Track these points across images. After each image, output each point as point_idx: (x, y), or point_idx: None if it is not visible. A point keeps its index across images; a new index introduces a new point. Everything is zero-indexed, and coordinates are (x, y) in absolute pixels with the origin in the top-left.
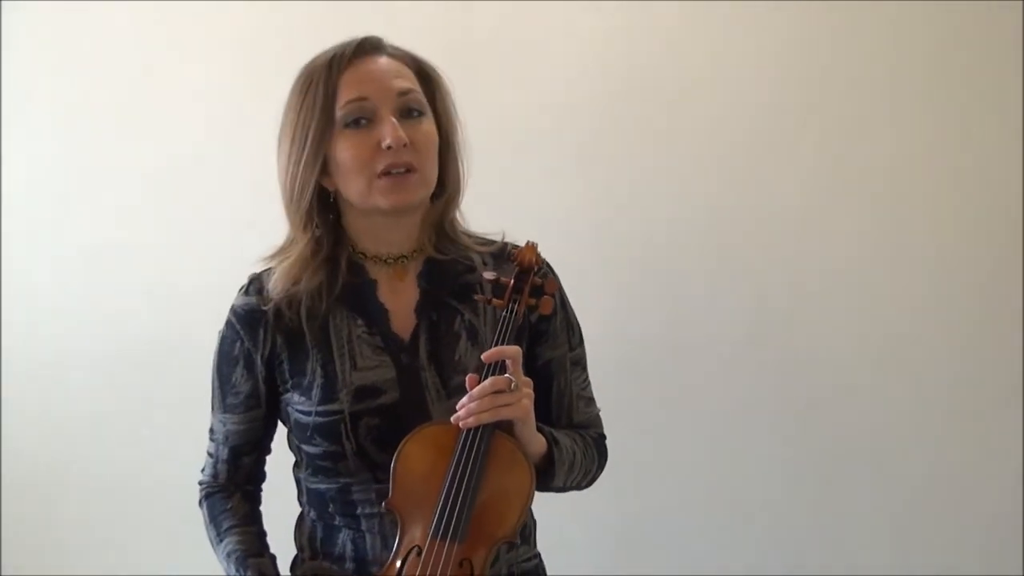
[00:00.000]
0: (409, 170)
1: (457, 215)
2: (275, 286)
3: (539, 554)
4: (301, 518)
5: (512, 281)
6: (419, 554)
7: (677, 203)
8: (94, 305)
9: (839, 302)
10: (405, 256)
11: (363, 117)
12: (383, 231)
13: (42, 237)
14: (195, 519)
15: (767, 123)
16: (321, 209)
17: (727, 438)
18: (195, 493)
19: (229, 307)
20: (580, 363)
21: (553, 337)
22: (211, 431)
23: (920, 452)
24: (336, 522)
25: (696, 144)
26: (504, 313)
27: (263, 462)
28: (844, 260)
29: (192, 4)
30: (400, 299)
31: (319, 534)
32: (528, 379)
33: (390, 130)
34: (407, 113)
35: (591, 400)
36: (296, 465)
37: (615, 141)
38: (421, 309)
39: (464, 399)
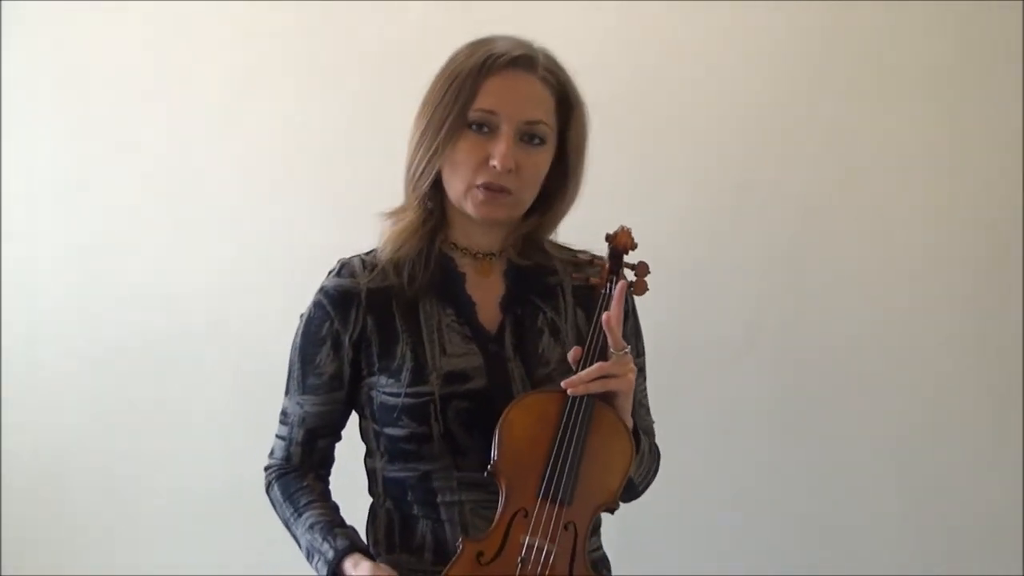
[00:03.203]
0: (503, 190)
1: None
2: (383, 248)
3: (602, 546)
4: (374, 512)
5: (608, 262)
6: (526, 516)
7: (677, 203)
8: (94, 305)
9: (839, 302)
10: (493, 254)
11: (487, 126)
12: (473, 228)
13: (42, 237)
14: (195, 519)
15: (767, 123)
16: (433, 188)
17: (727, 438)
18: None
19: (318, 289)
20: (643, 371)
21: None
22: (283, 414)
23: (920, 452)
24: (415, 512)
25: (696, 144)
26: (604, 291)
27: (334, 448)
28: (844, 260)
29: (192, 4)
30: (486, 293)
31: (396, 526)
32: (630, 355)
33: (501, 152)
34: (527, 139)
35: (648, 410)
36: (369, 455)
37: (615, 141)
38: (506, 304)
39: (572, 380)
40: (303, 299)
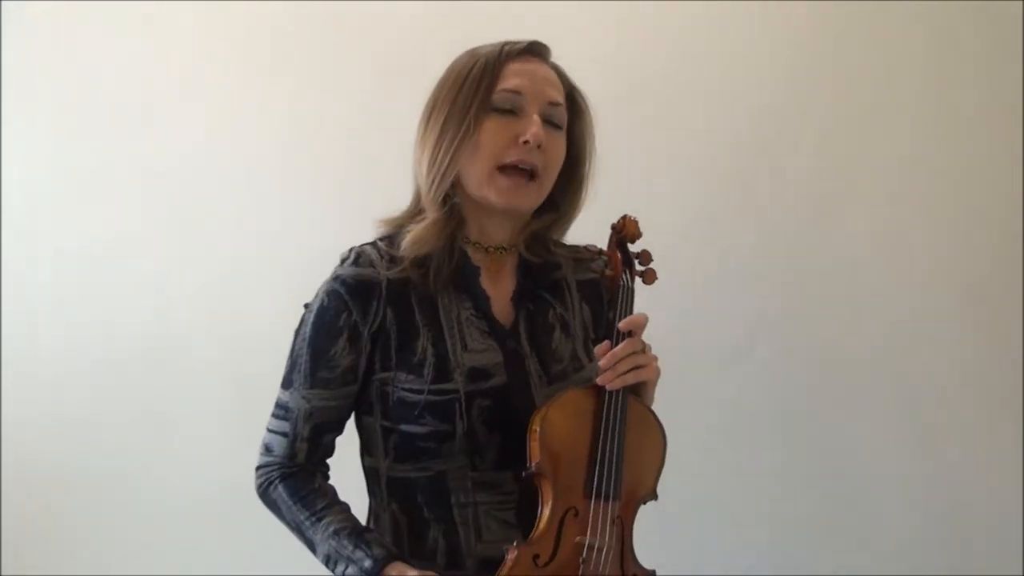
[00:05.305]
0: (533, 176)
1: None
2: (407, 247)
3: None
4: (376, 514)
5: (619, 253)
6: (576, 515)
7: (677, 203)
8: (94, 305)
9: (839, 302)
10: (504, 248)
11: (512, 107)
12: (487, 221)
13: (42, 237)
14: (195, 519)
15: (768, 123)
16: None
17: (727, 438)
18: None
19: (331, 278)
20: None
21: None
22: (284, 408)
23: (920, 452)
24: (425, 515)
25: (696, 144)
26: (621, 283)
27: (335, 441)
28: (844, 260)
29: (192, 4)
30: (498, 288)
31: (404, 530)
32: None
33: (534, 127)
34: (549, 122)
35: None
36: (369, 454)
37: (615, 140)
38: (519, 299)
39: (604, 362)
40: (304, 299)
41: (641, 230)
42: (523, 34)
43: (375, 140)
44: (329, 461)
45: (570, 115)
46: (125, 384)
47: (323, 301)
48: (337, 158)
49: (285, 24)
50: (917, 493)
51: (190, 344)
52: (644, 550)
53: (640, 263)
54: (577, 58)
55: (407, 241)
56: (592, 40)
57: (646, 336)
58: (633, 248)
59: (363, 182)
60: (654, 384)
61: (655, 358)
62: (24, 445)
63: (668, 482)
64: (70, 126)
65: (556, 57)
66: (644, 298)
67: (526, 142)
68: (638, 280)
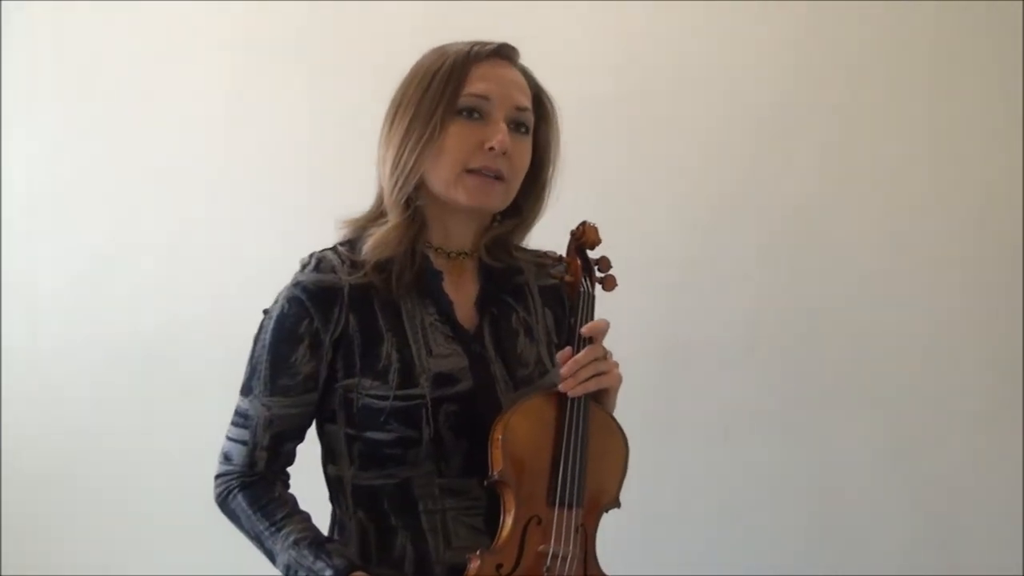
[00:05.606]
0: (498, 178)
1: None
2: (368, 252)
3: None
4: (341, 523)
5: (579, 260)
6: (540, 523)
7: (677, 203)
8: (94, 305)
9: (839, 302)
10: (465, 252)
11: (478, 112)
12: (452, 224)
13: (42, 237)
14: (196, 519)
15: (767, 122)
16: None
17: (726, 438)
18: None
19: (291, 284)
20: None
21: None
22: (243, 416)
23: (920, 452)
24: (392, 522)
25: (696, 144)
26: (582, 289)
27: (296, 450)
28: (845, 260)
29: (192, 4)
30: (461, 293)
31: (371, 538)
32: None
33: (500, 134)
34: (516, 127)
35: None
36: (333, 462)
37: (615, 140)
38: (482, 304)
39: (565, 369)
40: None
41: (601, 236)
42: (523, 35)
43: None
44: (290, 470)
45: (536, 118)
46: (125, 385)
47: (284, 308)
48: (340, 160)
49: (288, 24)
50: (917, 493)
51: (190, 344)
52: (643, 549)
53: (599, 269)
54: (577, 58)
55: (368, 245)
56: (592, 40)
57: (646, 335)
58: (592, 254)
59: (366, 183)
60: (615, 391)
61: (616, 364)
62: (24, 445)
63: (668, 482)
64: (70, 126)
65: (556, 57)
66: (644, 298)
67: (491, 148)
68: (599, 287)
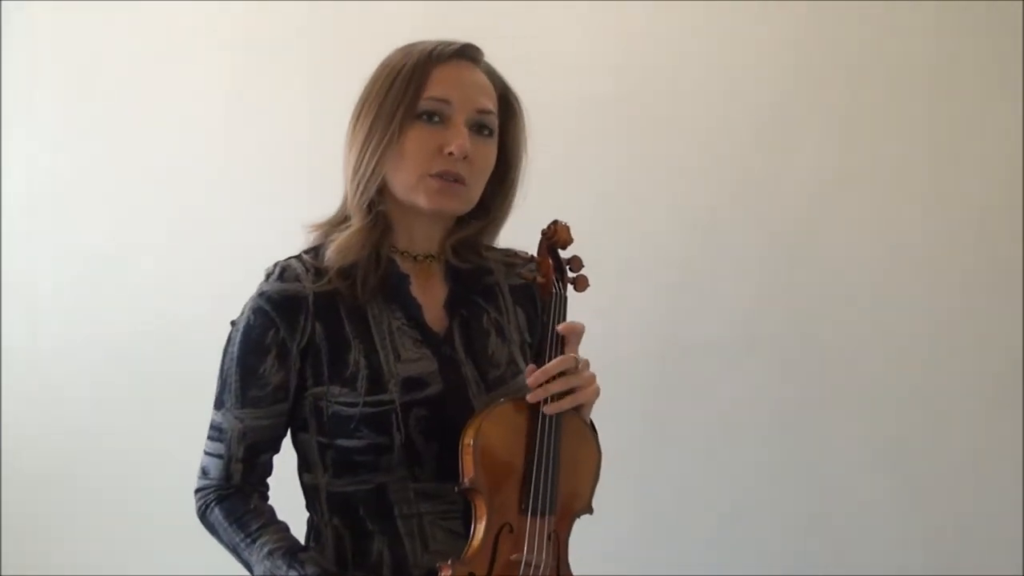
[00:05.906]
0: (457, 181)
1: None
2: (332, 256)
3: None
4: (317, 530)
5: (551, 259)
6: (512, 531)
7: (677, 203)
8: (94, 305)
9: (839, 302)
10: (432, 255)
11: (438, 116)
12: (416, 227)
13: (42, 237)
14: (195, 518)
15: (766, 121)
16: (376, 192)
17: (726, 438)
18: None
19: (256, 294)
20: None
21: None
22: (217, 430)
23: (919, 452)
24: (368, 528)
25: (696, 144)
26: (554, 289)
27: (272, 460)
28: (845, 260)
29: (192, 5)
30: (430, 296)
31: (348, 544)
32: (587, 361)
33: (458, 139)
34: (478, 130)
35: None
36: (308, 471)
37: (614, 139)
38: (451, 306)
39: (532, 379)
40: None
41: (572, 236)
42: (523, 35)
43: None
44: (270, 480)
45: (503, 118)
46: (125, 385)
47: (249, 319)
48: (340, 159)
49: (288, 24)
50: (917, 493)
51: (190, 344)
52: (642, 549)
53: (571, 269)
54: (577, 58)
55: (331, 251)
56: (592, 40)
57: (646, 335)
58: (564, 254)
59: None
60: (591, 405)
61: (593, 377)
62: (24, 445)
63: (668, 481)
64: (70, 126)
65: (556, 57)
66: (643, 298)
67: (451, 153)
68: (571, 288)
